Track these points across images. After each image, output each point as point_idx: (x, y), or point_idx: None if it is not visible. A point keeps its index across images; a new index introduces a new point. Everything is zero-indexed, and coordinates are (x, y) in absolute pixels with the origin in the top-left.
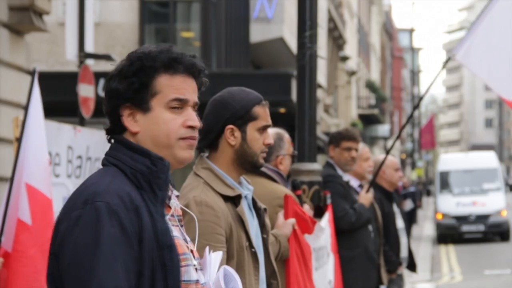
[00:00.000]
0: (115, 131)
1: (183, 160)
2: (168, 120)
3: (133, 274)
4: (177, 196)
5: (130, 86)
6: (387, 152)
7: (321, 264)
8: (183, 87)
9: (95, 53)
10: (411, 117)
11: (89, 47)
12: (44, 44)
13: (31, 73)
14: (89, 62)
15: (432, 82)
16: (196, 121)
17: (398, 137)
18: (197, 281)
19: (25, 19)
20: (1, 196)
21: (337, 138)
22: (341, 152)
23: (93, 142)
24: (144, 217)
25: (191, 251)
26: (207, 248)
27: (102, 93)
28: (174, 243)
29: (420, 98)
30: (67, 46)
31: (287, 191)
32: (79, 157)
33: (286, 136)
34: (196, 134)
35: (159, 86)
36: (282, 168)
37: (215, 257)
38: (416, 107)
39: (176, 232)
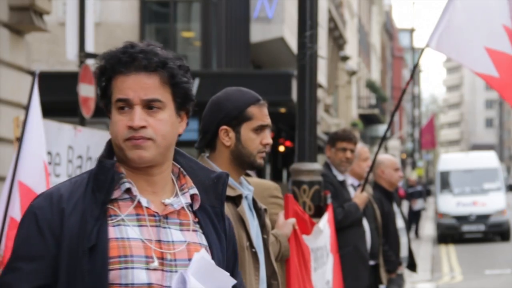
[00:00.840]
0: None
1: (133, 161)
2: (115, 122)
3: (42, 275)
4: (194, 195)
5: (99, 93)
6: (380, 144)
7: (320, 264)
8: (127, 86)
9: (96, 53)
10: (399, 104)
11: (89, 47)
12: (45, 44)
13: (32, 75)
14: (90, 62)
15: (416, 66)
16: (134, 121)
17: (391, 123)
18: (149, 284)
19: (26, 19)
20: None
21: (333, 138)
22: (336, 152)
23: (94, 142)
24: (71, 218)
25: (162, 253)
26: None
27: None
28: (102, 245)
29: (403, 89)
30: (67, 46)
31: (271, 183)
32: (80, 157)
33: None
34: (142, 133)
35: (111, 88)
36: None
37: (195, 258)
38: (403, 93)
39: (138, 233)
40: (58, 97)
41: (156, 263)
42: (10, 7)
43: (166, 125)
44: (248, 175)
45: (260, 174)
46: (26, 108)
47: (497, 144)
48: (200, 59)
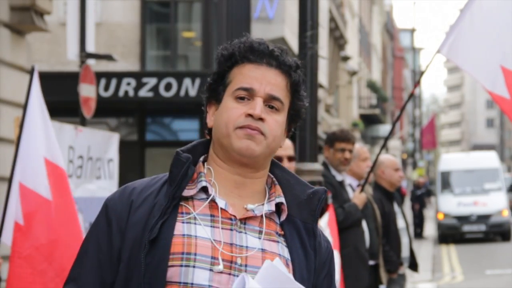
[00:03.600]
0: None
1: (239, 151)
2: (229, 109)
3: (105, 268)
4: (281, 206)
5: (215, 77)
6: (384, 144)
7: None
8: (254, 76)
9: (96, 53)
10: (403, 109)
11: (90, 47)
12: (45, 44)
13: (30, 72)
14: (90, 62)
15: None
16: (256, 110)
17: (398, 118)
18: (210, 287)
19: (26, 19)
20: (1, 196)
21: (331, 139)
22: (334, 152)
23: (94, 142)
24: (138, 211)
25: (232, 257)
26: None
27: (103, 93)
28: (165, 239)
29: (409, 96)
30: (68, 46)
31: None
32: (80, 157)
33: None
34: (259, 125)
35: (231, 75)
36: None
37: (264, 265)
38: (408, 99)
39: (209, 233)
40: (58, 97)
41: (221, 266)
42: (11, 7)
43: (279, 128)
44: None
45: None
46: (24, 106)
47: (498, 144)
48: (200, 59)
